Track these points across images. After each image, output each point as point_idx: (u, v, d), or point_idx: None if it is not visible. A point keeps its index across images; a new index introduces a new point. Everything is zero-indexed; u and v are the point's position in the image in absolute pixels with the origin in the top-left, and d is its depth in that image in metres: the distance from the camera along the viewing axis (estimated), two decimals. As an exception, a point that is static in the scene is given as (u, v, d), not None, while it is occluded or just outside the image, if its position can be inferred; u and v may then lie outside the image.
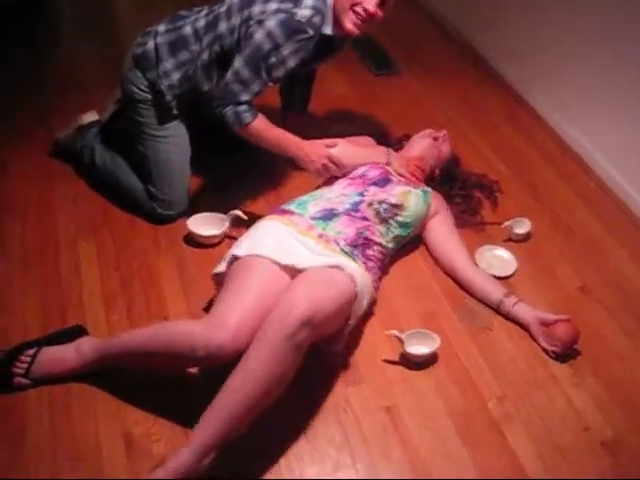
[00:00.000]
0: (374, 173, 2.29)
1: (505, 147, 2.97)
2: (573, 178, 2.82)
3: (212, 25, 2.28)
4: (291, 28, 2.12)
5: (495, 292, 2.21)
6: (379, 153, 2.39)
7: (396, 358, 2.05)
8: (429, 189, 2.39)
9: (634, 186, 2.67)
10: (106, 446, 1.79)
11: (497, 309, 2.20)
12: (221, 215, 2.40)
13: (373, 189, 2.22)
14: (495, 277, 2.30)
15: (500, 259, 2.39)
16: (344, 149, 2.29)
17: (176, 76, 2.33)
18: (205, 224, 2.38)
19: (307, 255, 1.94)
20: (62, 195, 2.55)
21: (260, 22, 2.13)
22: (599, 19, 2.72)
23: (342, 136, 2.43)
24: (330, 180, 2.31)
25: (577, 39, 2.86)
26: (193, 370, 1.95)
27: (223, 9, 2.28)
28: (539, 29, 3.08)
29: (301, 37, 2.14)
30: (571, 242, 2.52)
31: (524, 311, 2.16)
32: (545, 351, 2.10)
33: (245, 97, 2.18)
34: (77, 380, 1.92)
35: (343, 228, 2.07)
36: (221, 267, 1.99)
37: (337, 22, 2.22)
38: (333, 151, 2.27)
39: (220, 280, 1.99)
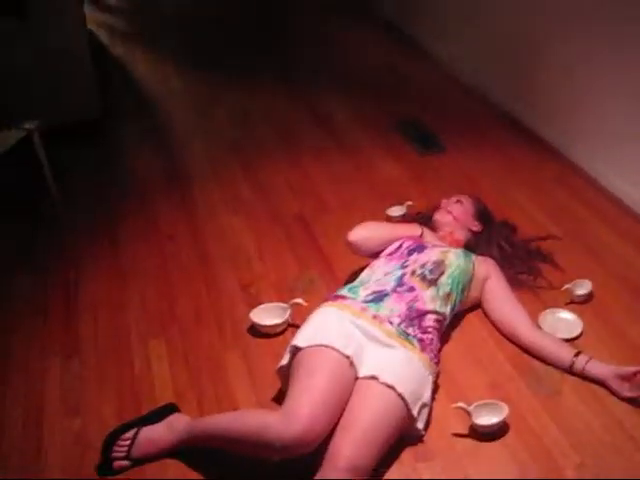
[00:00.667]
0: (409, 243, 2.36)
1: (558, 210, 2.97)
2: (632, 234, 2.79)
3: None
4: None
5: (565, 353, 2.18)
6: (412, 227, 2.50)
7: (465, 431, 2.02)
8: (472, 254, 2.41)
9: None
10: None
11: (568, 370, 2.16)
12: (282, 304, 2.46)
13: (413, 257, 2.29)
14: (562, 340, 2.26)
15: (565, 321, 2.36)
16: (371, 228, 2.43)
17: None
18: (268, 314, 2.44)
19: (362, 344, 1.99)
20: (131, 297, 2.66)
21: None
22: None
23: (395, 220, 2.53)
24: (371, 261, 2.39)
25: (622, 95, 2.89)
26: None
27: None
28: (581, 89, 3.12)
29: None
30: (637, 300, 2.46)
31: (599, 367, 2.12)
32: (629, 402, 2.05)
33: None
34: (150, 472, 1.97)
35: (394, 306, 2.11)
36: (284, 360, 2.04)
37: None
38: (352, 235, 2.41)
39: (284, 373, 2.04)
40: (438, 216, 2.60)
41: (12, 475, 2.01)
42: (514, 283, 2.46)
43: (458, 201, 2.62)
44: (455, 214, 2.57)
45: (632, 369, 2.06)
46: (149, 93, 4.45)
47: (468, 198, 2.66)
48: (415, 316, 2.10)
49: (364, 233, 2.43)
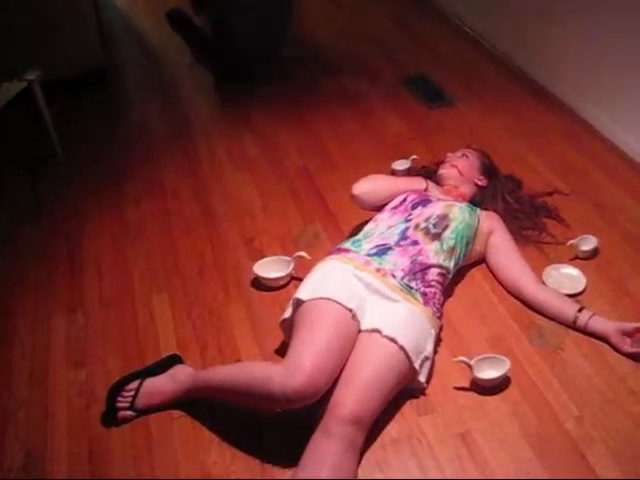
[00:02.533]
0: (413, 197, 2.35)
1: (565, 166, 2.94)
2: (639, 192, 2.77)
3: None
4: None
5: (568, 308, 2.18)
6: (417, 180, 2.48)
7: (467, 384, 2.04)
8: (476, 208, 2.41)
9: None
10: (187, 487, 1.85)
11: (572, 325, 2.17)
12: (286, 257, 2.46)
13: (417, 210, 2.28)
14: (565, 295, 2.26)
15: (569, 277, 2.36)
16: (375, 182, 2.42)
17: None
18: (271, 267, 2.44)
19: (365, 297, 1.99)
20: (134, 252, 2.66)
21: None
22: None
23: (400, 174, 2.51)
24: (375, 214, 2.39)
25: (634, 50, 2.83)
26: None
27: None
28: (592, 44, 3.07)
29: None
30: (642, 256, 2.46)
31: (601, 323, 2.13)
32: (631, 357, 2.07)
33: None
34: (156, 423, 2.00)
35: (397, 259, 2.11)
36: (287, 313, 2.05)
37: None
38: (356, 188, 2.40)
39: (287, 326, 2.05)
40: (443, 170, 2.57)
41: (19, 428, 2.04)
42: (519, 238, 2.45)
43: (464, 155, 2.59)
44: (460, 168, 2.54)
45: (634, 325, 2.07)
46: (153, 45, 4.39)
47: (474, 152, 2.63)
48: (418, 270, 2.10)
49: (368, 186, 2.42)
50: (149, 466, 1.90)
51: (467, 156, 2.59)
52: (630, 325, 2.07)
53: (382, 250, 2.14)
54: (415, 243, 2.17)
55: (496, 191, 2.57)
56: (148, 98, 3.78)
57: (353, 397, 1.78)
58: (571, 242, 2.44)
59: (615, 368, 2.06)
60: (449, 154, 2.63)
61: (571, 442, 1.88)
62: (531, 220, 2.57)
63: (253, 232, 2.70)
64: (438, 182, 2.57)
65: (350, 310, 1.93)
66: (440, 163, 2.63)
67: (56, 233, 2.80)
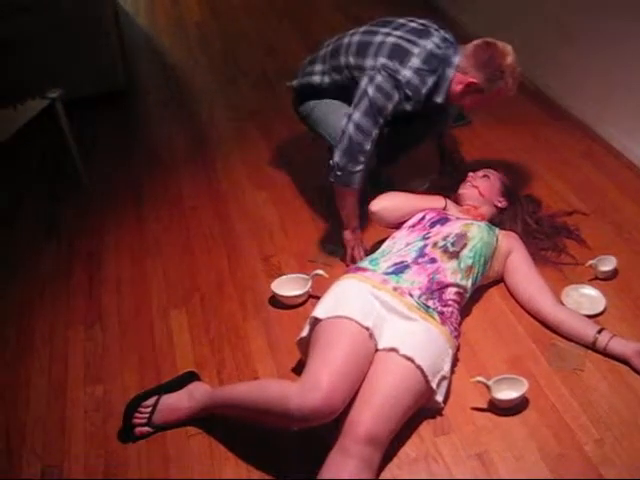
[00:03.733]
0: (432, 215, 2.35)
1: (584, 185, 2.92)
2: (660, 211, 2.75)
3: (335, 53, 2.55)
4: (393, 84, 2.33)
5: (588, 329, 2.16)
6: (436, 199, 2.48)
7: (485, 405, 2.03)
8: (495, 227, 2.40)
9: None
10: (202, 505, 1.85)
11: (591, 346, 2.15)
12: (304, 275, 2.47)
13: (435, 229, 2.28)
14: (584, 316, 2.24)
15: (588, 297, 2.34)
16: (394, 199, 2.42)
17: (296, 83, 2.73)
18: (289, 285, 2.45)
19: (382, 316, 1.99)
20: (153, 268, 2.68)
21: (371, 78, 2.35)
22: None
23: (419, 191, 2.52)
24: (393, 232, 2.39)
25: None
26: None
27: (345, 41, 2.53)
28: (609, 64, 3.06)
29: (399, 96, 2.35)
30: (663, 276, 2.44)
31: (622, 345, 2.11)
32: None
33: (368, 145, 2.36)
34: (172, 440, 2.01)
35: (415, 277, 2.11)
36: (304, 332, 2.05)
37: (451, 94, 2.43)
38: (374, 205, 2.39)
39: (304, 344, 2.05)
40: (464, 190, 2.57)
41: (36, 442, 2.05)
42: (537, 259, 2.44)
43: (485, 176, 2.59)
44: (481, 189, 2.54)
45: None
46: (173, 63, 4.44)
47: (495, 173, 2.63)
48: (436, 289, 2.09)
49: (386, 203, 2.42)
50: (165, 483, 1.90)
51: (488, 177, 2.58)
52: None
53: (399, 268, 2.14)
54: (433, 261, 2.16)
55: (516, 213, 2.56)
56: (168, 117, 3.82)
57: (370, 416, 1.78)
58: (590, 262, 2.42)
59: (635, 389, 2.04)
60: (470, 174, 2.63)
61: (590, 465, 1.86)
62: (551, 241, 2.55)
63: (271, 250, 2.71)
64: (458, 201, 2.57)
65: (367, 329, 1.92)
66: (460, 182, 2.62)
67: (75, 249, 2.83)
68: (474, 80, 2.35)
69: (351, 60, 2.46)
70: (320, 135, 2.62)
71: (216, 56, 4.45)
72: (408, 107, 2.41)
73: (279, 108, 3.65)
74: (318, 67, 2.62)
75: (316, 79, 2.62)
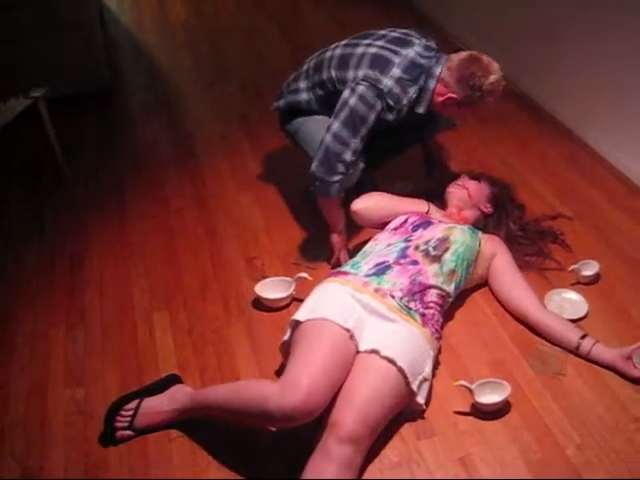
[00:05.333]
0: (414, 218, 2.36)
1: (567, 189, 2.94)
2: (641, 215, 2.77)
3: (317, 69, 2.56)
4: (375, 93, 2.33)
5: (571, 334, 2.18)
6: (419, 202, 2.49)
7: (467, 409, 2.03)
8: (478, 231, 2.41)
9: None
10: (184, 509, 1.84)
11: (574, 351, 2.16)
12: (287, 278, 2.46)
13: (418, 233, 2.28)
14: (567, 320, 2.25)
15: (570, 302, 2.35)
16: (376, 200, 2.44)
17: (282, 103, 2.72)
18: (272, 288, 2.44)
19: (363, 318, 1.99)
20: (136, 269, 2.67)
21: (353, 89, 2.35)
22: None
23: (402, 195, 2.52)
24: (376, 235, 2.39)
25: (634, 73, 2.85)
26: (268, 429, 1.96)
27: (328, 55, 2.53)
28: (593, 68, 3.08)
29: (382, 105, 2.35)
30: (645, 282, 2.46)
31: (605, 352, 2.12)
32: (635, 383, 2.06)
33: (347, 155, 2.35)
34: (154, 444, 1.99)
35: (397, 279, 2.11)
36: (286, 335, 2.05)
37: (432, 104, 2.44)
38: (356, 205, 2.41)
39: (287, 348, 2.04)
40: (453, 189, 2.58)
41: (15, 445, 2.03)
42: (521, 264, 2.45)
43: (476, 179, 2.60)
44: (471, 191, 2.54)
45: (635, 345, 2.07)
46: (158, 64, 4.42)
47: (486, 179, 2.63)
48: (417, 290, 2.10)
49: (368, 203, 2.43)
50: (146, 488, 1.89)
51: (479, 181, 2.60)
52: (631, 348, 2.07)
53: (381, 269, 2.14)
54: (415, 263, 2.17)
55: (500, 220, 2.57)
56: (152, 116, 3.79)
57: (352, 417, 1.78)
58: (573, 267, 2.43)
59: (616, 394, 2.05)
60: (463, 174, 2.63)
61: (572, 469, 1.87)
62: (535, 246, 2.56)
63: (255, 252, 2.70)
64: (444, 201, 2.57)
65: (347, 330, 1.92)
66: (446, 184, 2.63)
67: (58, 250, 2.81)
68: (454, 95, 2.37)
69: (333, 73, 2.47)
70: (306, 153, 2.59)
71: (202, 57, 4.43)
72: (390, 117, 2.41)
73: (264, 110, 3.62)
74: (302, 84, 2.62)
75: (303, 96, 2.61)
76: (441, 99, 2.40)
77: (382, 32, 2.52)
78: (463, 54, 2.39)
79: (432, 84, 2.40)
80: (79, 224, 2.95)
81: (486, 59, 2.35)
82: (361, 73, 2.36)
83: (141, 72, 4.33)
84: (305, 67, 2.65)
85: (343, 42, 2.55)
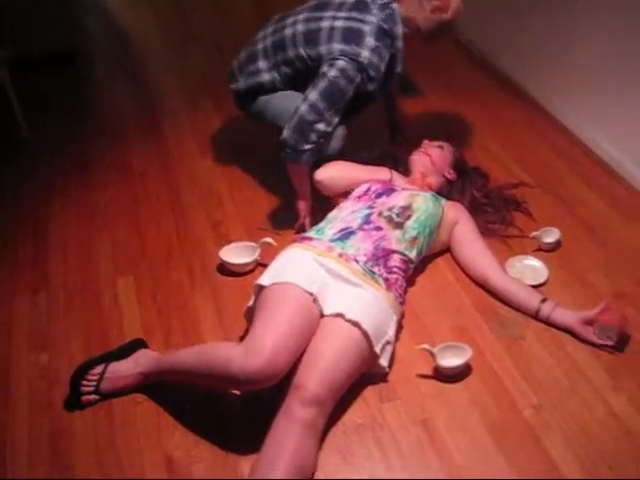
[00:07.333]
0: (377, 186, 2.38)
1: (529, 157, 2.98)
2: (600, 183, 2.82)
3: (279, 47, 2.52)
4: (355, 68, 2.35)
5: (532, 298, 2.22)
6: (382, 170, 2.51)
7: (429, 372, 2.07)
8: (441, 198, 2.43)
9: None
10: (149, 471, 1.85)
11: (534, 315, 2.21)
12: (252, 243, 2.47)
13: (381, 200, 2.30)
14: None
15: (531, 268, 2.40)
16: (338, 169, 2.45)
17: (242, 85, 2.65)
18: (237, 253, 2.44)
19: (327, 282, 2.01)
20: (100, 235, 2.64)
21: (331, 63, 2.35)
22: (619, 20, 2.75)
23: (368, 162, 2.53)
24: (339, 203, 2.41)
25: (600, 45, 2.88)
26: (233, 393, 1.99)
27: (288, 33, 2.49)
28: (560, 39, 3.10)
29: (361, 78, 2.38)
30: (602, 248, 2.51)
31: (564, 315, 2.17)
32: (598, 347, 2.11)
33: (321, 126, 2.36)
34: (119, 408, 2.00)
35: (361, 244, 2.13)
36: (251, 301, 2.06)
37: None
38: (319, 174, 2.41)
39: (251, 314, 2.05)
40: (416, 156, 2.59)
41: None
42: (484, 231, 2.48)
43: (439, 146, 2.61)
44: (433, 157, 2.56)
45: (594, 311, 2.12)
46: (124, 27, 4.34)
47: (449, 146, 2.65)
48: (381, 255, 2.12)
49: (332, 172, 2.44)
50: (111, 450, 1.89)
51: (442, 147, 2.61)
52: (591, 313, 2.12)
53: (345, 234, 2.16)
54: (378, 229, 2.19)
55: (464, 187, 2.59)
56: (118, 81, 3.74)
57: (315, 379, 1.80)
58: (534, 234, 2.48)
59: (573, 357, 2.11)
60: (425, 141, 2.65)
61: (529, 429, 1.92)
62: (498, 214, 2.60)
63: (220, 217, 2.70)
64: (407, 167, 2.59)
65: (311, 294, 1.94)
66: (411, 150, 2.64)
67: (21, 216, 2.77)
68: (421, 37, 2.47)
69: (302, 51, 2.45)
70: (279, 127, 2.55)
71: (167, 20, 4.36)
72: (371, 87, 2.43)
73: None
74: (263, 64, 2.58)
75: (265, 77, 2.58)
76: (414, 45, 2.47)
77: (337, 0, 2.50)
78: None
79: (400, 44, 2.44)
80: (42, 190, 2.90)
81: None
82: (336, 48, 2.36)
83: (107, 36, 4.26)
84: (260, 46, 2.61)
85: (301, 17, 2.51)
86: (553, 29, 3.11)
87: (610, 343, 2.10)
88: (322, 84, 2.35)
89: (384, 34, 2.40)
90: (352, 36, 2.37)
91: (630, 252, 2.49)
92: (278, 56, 2.53)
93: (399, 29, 2.42)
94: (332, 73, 2.34)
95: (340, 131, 2.50)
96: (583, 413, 1.96)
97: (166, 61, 3.91)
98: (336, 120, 2.41)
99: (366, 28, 2.37)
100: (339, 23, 2.40)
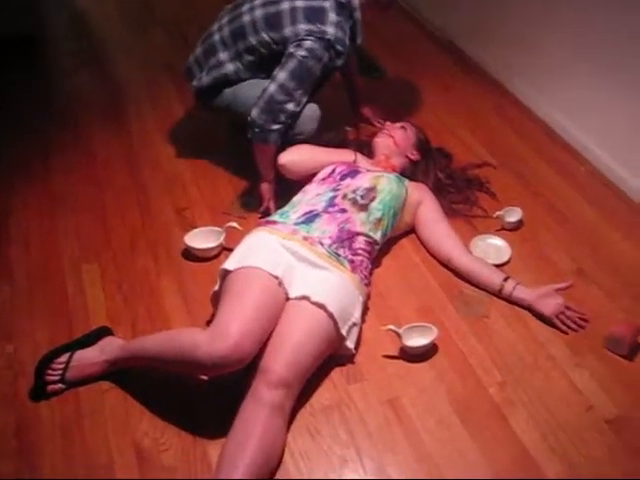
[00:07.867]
0: (341, 168, 2.38)
1: (493, 139, 3.01)
2: (563, 164, 2.86)
3: (238, 36, 2.50)
4: (323, 46, 2.36)
5: (494, 277, 2.26)
6: (346, 152, 2.52)
7: (396, 352, 2.09)
8: (405, 179, 2.45)
9: (623, 167, 2.70)
10: (118, 459, 1.84)
11: (497, 294, 2.24)
12: (217, 228, 2.46)
13: (345, 182, 2.31)
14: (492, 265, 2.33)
15: (495, 247, 2.43)
16: (302, 152, 2.45)
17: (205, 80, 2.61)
18: (202, 238, 2.43)
19: (292, 265, 2.01)
20: (64, 222, 2.61)
21: (299, 44, 2.36)
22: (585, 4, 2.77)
23: (331, 145, 2.54)
24: (304, 186, 2.40)
25: (562, 27, 2.90)
26: (201, 378, 1.99)
27: (246, 20, 2.48)
28: (523, 20, 3.13)
29: (329, 56, 2.41)
30: (564, 227, 2.55)
31: (525, 292, 2.21)
32: (555, 327, 2.16)
33: (290, 106, 2.36)
34: (86, 396, 1.99)
35: (325, 226, 2.14)
36: (217, 286, 2.06)
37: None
38: (282, 157, 2.41)
39: (218, 299, 2.04)
40: (379, 138, 2.60)
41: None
42: (448, 211, 2.50)
43: (402, 127, 2.62)
44: (397, 139, 2.57)
45: (552, 287, 2.17)
46: (85, 10, 4.26)
47: (412, 127, 2.66)
48: (346, 238, 2.13)
49: (295, 156, 2.43)
50: (79, 439, 1.88)
51: (405, 128, 2.62)
52: (549, 288, 2.18)
53: (310, 217, 2.17)
54: (343, 211, 2.20)
55: (428, 168, 2.61)
56: (79, 66, 3.66)
57: (282, 362, 1.81)
58: (497, 213, 2.51)
59: (535, 334, 2.15)
60: (388, 123, 2.66)
61: (494, 406, 1.96)
62: (462, 194, 2.62)
63: (185, 203, 2.68)
64: (371, 150, 2.60)
65: (276, 277, 1.94)
66: (374, 134, 2.65)
67: (-19, 205, 2.72)
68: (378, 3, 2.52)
69: (265, 36, 2.44)
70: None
71: (128, 4, 4.29)
72: (339, 63, 2.45)
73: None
74: (223, 55, 2.56)
75: (228, 67, 2.56)
76: (369, 15, 2.50)
77: None
78: None
79: (358, 14, 2.47)
80: (2, 178, 2.85)
81: None
82: (302, 28, 2.36)
83: (67, 19, 4.17)
84: (217, 37, 2.58)
85: (257, 1, 2.50)
86: (521, 14, 3.13)
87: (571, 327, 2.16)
88: (291, 64, 2.34)
89: (343, 7, 2.41)
90: (315, 15, 2.37)
91: (591, 231, 2.54)
92: (239, 45, 2.51)
93: (356, 0, 2.44)
94: (301, 52, 2.34)
95: (316, 112, 2.50)
96: (546, 389, 2.00)
97: (127, 45, 3.85)
98: (304, 100, 2.41)
99: (327, 4, 2.38)
100: (299, 3, 2.40)
